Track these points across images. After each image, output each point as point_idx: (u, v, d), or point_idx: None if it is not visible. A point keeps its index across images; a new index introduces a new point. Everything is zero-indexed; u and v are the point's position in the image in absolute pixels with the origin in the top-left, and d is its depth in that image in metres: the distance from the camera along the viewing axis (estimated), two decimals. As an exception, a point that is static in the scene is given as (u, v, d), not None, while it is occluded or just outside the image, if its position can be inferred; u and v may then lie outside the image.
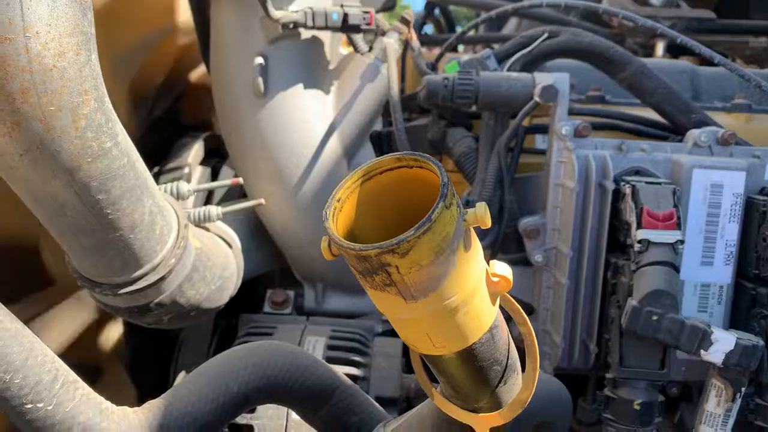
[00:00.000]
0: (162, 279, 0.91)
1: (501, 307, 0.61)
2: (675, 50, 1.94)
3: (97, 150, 0.70)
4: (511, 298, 0.61)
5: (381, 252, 0.48)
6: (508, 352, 0.64)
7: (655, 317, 0.99)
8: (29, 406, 0.64)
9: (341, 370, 0.91)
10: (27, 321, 0.67)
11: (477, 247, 0.55)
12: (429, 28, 2.69)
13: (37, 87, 0.61)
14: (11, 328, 0.65)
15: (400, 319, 0.56)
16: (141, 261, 0.87)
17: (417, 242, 0.48)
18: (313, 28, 1.27)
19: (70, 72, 0.63)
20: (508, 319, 0.65)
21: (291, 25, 1.25)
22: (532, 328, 0.63)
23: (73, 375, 0.69)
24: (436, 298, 0.52)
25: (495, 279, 0.57)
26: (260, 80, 1.28)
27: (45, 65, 0.61)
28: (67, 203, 0.72)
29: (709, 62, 1.34)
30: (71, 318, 1.47)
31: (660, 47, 1.93)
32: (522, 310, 0.62)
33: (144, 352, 1.68)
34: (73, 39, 0.63)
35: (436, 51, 1.77)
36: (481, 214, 0.52)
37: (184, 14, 1.56)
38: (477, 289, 0.55)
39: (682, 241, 1.03)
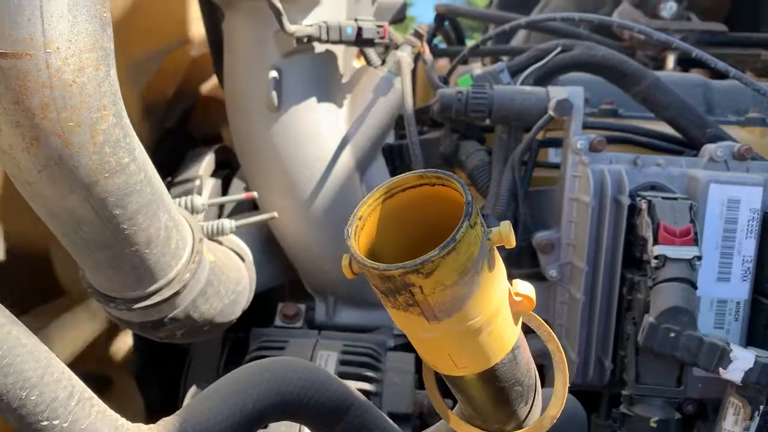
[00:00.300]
0: (176, 294, 0.90)
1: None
2: (685, 63, 1.93)
3: (115, 165, 0.69)
4: (537, 317, 0.60)
5: (405, 272, 0.47)
6: (530, 372, 0.63)
7: (672, 334, 0.98)
8: (45, 423, 0.63)
9: (354, 386, 0.90)
10: (37, 332, 0.67)
11: (501, 266, 0.54)
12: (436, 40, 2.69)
13: (56, 102, 0.61)
14: (27, 343, 0.64)
15: (421, 339, 0.55)
16: (156, 276, 0.86)
17: (441, 262, 0.47)
18: (327, 42, 1.27)
19: (89, 87, 0.63)
20: (527, 332, 0.64)
21: (305, 39, 1.25)
22: (559, 343, 0.62)
23: (89, 392, 0.68)
24: (460, 318, 0.51)
25: (518, 299, 0.56)
26: (274, 94, 1.28)
27: (65, 81, 0.61)
28: (83, 218, 0.72)
29: (720, 75, 1.33)
30: (81, 327, 1.46)
31: (671, 60, 1.91)
32: (549, 327, 0.61)
33: (153, 364, 1.67)
34: (92, 54, 0.63)
35: (443, 62, 1.76)
36: (506, 233, 0.51)
37: (197, 27, 1.57)
38: (500, 310, 0.54)
39: (699, 257, 1.02)
